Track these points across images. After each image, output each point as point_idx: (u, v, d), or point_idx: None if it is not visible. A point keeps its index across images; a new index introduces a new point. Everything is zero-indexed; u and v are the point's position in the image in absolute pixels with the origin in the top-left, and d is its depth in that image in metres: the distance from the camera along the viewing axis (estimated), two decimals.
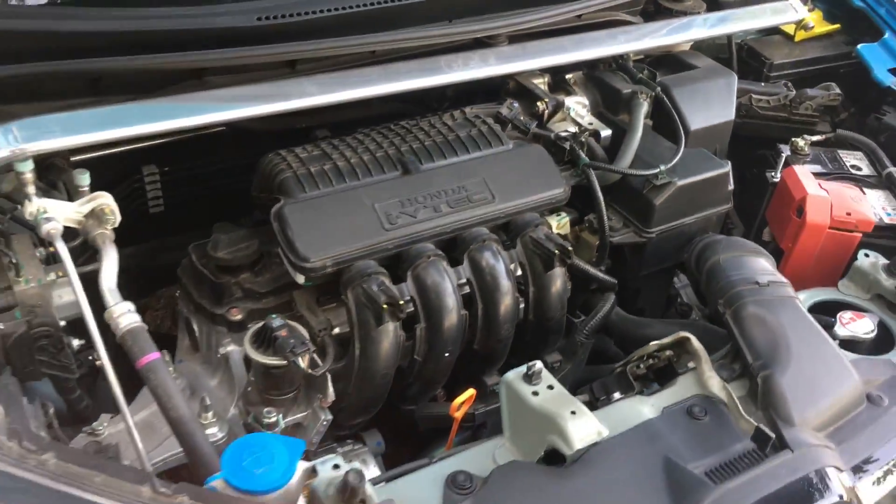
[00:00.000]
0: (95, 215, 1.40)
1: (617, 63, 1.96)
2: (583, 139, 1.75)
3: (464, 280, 1.53)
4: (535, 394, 1.35)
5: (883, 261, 1.73)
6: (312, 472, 1.23)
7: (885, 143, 2.06)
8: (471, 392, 1.48)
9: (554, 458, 1.34)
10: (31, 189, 1.37)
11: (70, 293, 1.41)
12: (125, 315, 1.29)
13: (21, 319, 1.32)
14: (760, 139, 2.15)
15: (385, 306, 1.38)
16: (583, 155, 1.70)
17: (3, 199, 1.47)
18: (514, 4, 1.82)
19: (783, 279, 1.59)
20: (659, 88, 1.86)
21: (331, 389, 1.41)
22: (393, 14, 1.69)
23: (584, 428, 1.29)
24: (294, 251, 1.41)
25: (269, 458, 1.19)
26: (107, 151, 1.62)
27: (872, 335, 1.63)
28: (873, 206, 1.86)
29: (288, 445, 1.22)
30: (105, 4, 1.46)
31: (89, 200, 1.40)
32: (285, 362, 1.35)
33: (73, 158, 1.57)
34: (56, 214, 1.35)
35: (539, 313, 1.60)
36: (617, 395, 1.47)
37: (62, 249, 1.31)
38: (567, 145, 1.72)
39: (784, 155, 1.98)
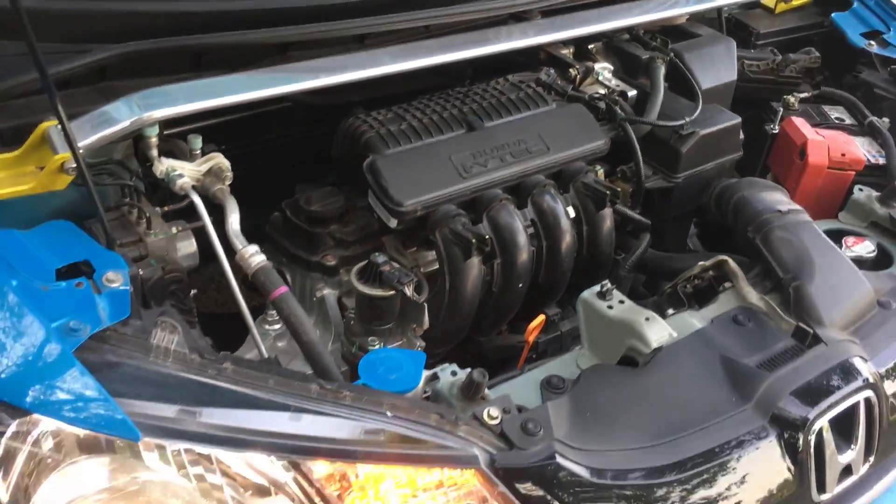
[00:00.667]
0: (213, 173, 1.58)
1: (630, 34, 2.20)
2: (615, 98, 1.98)
3: (528, 221, 1.74)
4: (610, 307, 1.57)
5: (876, 193, 2.00)
6: (434, 377, 1.43)
7: (863, 98, 2.34)
8: (542, 317, 1.70)
9: (628, 363, 1.57)
10: (156, 152, 1.54)
11: (187, 246, 1.59)
12: (254, 255, 1.48)
13: (157, 266, 1.49)
14: (750, 100, 2.41)
15: (473, 241, 1.58)
16: (619, 111, 1.93)
17: (118, 165, 1.63)
18: None
19: (799, 207, 1.84)
20: (672, 54, 2.11)
21: (426, 317, 1.61)
22: None
23: (658, 330, 1.52)
24: (389, 198, 1.61)
25: (398, 366, 1.38)
26: (174, 130, 1.79)
27: (874, 255, 1.89)
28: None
29: (411, 356, 1.42)
30: None
31: (206, 160, 1.58)
32: (391, 293, 1.55)
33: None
34: (183, 172, 1.52)
35: (592, 249, 1.82)
36: (670, 311, 1.69)
37: (196, 199, 1.49)
38: (602, 104, 1.95)
39: (780, 110, 2.24)
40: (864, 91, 2.37)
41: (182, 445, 1.16)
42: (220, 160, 1.57)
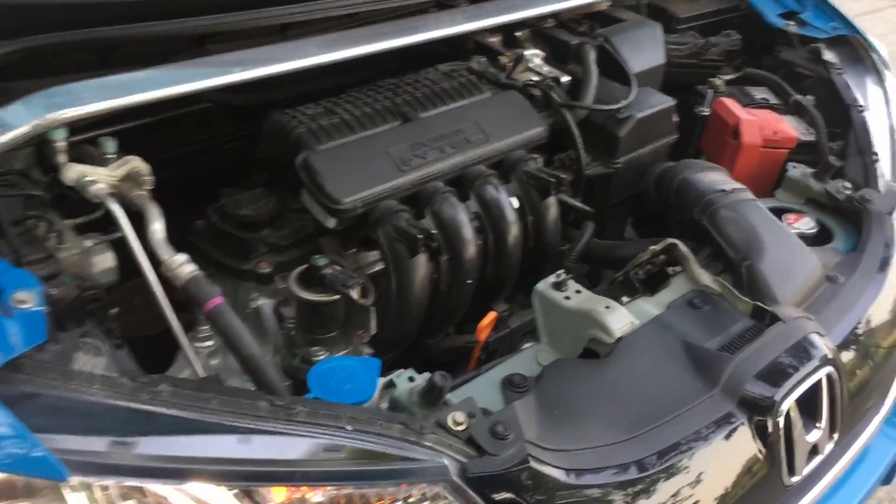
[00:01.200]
0: (131, 178, 1.43)
1: (557, 20, 2.14)
2: (550, 83, 1.91)
3: (472, 214, 1.66)
4: (568, 298, 1.50)
5: (810, 170, 2.00)
6: (390, 384, 1.33)
7: (784, 77, 2.35)
8: (493, 314, 1.62)
9: (588, 355, 1.50)
10: (64, 157, 1.39)
11: (104, 261, 1.44)
12: (184, 265, 1.34)
13: (72, 284, 1.33)
14: (675, 85, 2.39)
15: (419, 237, 1.48)
16: (555, 97, 1.87)
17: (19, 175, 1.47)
18: None
19: (742, 186, 1.82)
20: (602, 38, 2.06)
21: (374, 322, 1.50)
22: None
23: (619, 318, 1.45)
24: (326, 196, 1.49)
25: (351, 376, 1.28)
26: (79, 137, 1.63)
27: (815, 230, 1.88)
28: None
29: (365, 364, 1.31)
30: None
31: (122, 164, 1.43)
32: (336, 297, 1.43)
33: None
34: (97, 178, 1.37)
35: (538, 240, 1.75)
36: (624, 298, 1.63)
37: (114, 206, 1.34)
38: (538, 91, 1.88)
39: (708, 92, 2.22)
40: (786, 70, 2.38)
41: (113, 481, 1.03)
42: (137, 163, 1.43)
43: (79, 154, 1.50)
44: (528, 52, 2.01)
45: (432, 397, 1.26)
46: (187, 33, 1.54)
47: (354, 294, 1.41)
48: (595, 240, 1.93)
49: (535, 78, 1.96)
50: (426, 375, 1.30)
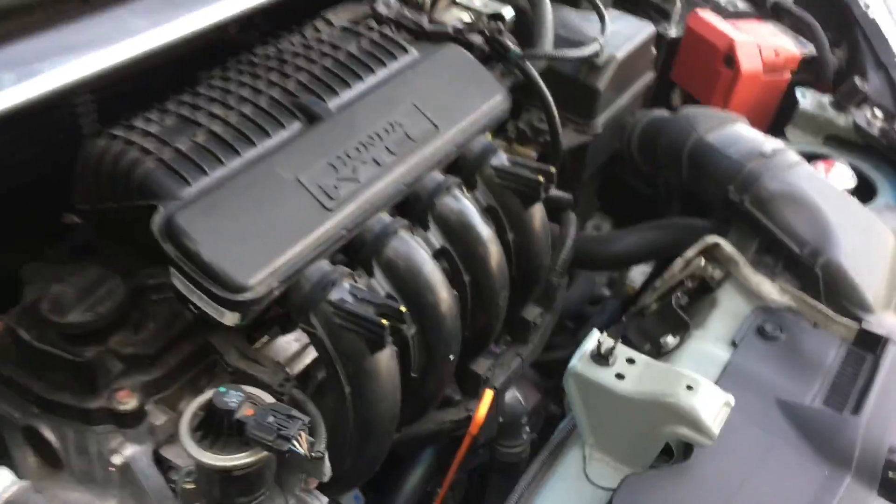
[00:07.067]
0: None
1: None
2: (496, 25, 1.32)
3: (437, 248, 1.09)
4: (620, 377, 0.98)
5: (826, 98, 1.55)
6: None
7: None
8: (490, 395, 1.09)
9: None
10: None
11: None
12: None
13: None
14: None
15: (384, 324, 0.90)
16: (511, 46, 1.29)
17: None
18: None
19: (779, 141, 1.34)
20: None
21: (327, 465, 0.93)
22: None
23: (712, 404, 0.95)
24: (220, 280, 0.88)
25: None
26: None
27: (855, 182, 1.44)
28: None
29: None
30: None
31: None
32: (262, 455, 0.85)
33: None
34: None
35: (525, 264, 1.20)
36: (669, 338, 1.14)
37: None
38: (479, 39, 1.29)
39: (677, 4, 1.69)
40: None
41: None
42: None
43: None
44: None
45: None
46: None
47: (301, 447, 0.84)
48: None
49: (467, 18, 1.38)
50: None
